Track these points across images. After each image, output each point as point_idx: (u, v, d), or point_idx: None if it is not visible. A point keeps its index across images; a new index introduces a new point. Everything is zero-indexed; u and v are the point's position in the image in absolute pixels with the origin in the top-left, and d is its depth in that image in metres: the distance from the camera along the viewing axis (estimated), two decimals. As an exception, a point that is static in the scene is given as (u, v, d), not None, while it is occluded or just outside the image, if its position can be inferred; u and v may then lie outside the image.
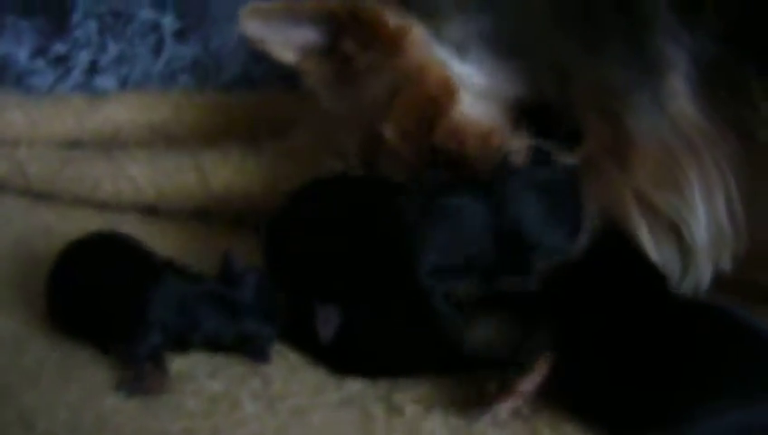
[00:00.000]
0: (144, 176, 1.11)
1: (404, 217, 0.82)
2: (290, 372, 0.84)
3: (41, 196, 1.14)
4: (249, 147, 1.14)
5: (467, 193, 0.83)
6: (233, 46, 1.25)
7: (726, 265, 0.84)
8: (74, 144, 1.19)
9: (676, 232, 0.84)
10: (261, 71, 1.25)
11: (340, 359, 0.84)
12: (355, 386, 0.83)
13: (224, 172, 1.10)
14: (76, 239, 0.93)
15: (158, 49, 1.26)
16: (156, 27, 1.26)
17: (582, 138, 0.87)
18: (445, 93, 0.90)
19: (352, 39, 0.93)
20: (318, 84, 0.97)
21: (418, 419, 0.79)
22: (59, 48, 1.26)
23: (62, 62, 1.26)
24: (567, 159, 0.86)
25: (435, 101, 0.90)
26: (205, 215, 1.10)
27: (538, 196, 0.83)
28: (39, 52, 1.26)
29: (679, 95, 0.83)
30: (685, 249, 0.84)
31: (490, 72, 0.90)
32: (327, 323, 0.84)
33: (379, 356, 0.84)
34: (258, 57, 1.24)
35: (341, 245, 0.86)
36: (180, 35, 1.26)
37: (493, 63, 0.90)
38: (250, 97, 1.22)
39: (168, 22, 1.25)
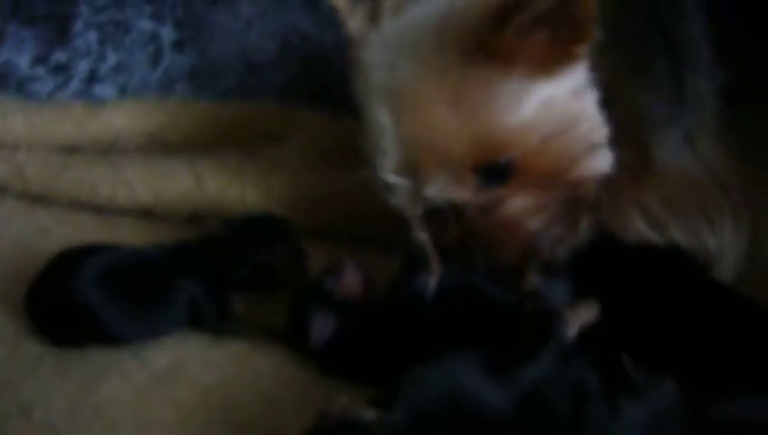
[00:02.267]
0: (141, 180, 1.13)
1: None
2: (281, 367, 0.87)
3: (39, 198, 1.15)
4: (244, 154, 1.16)
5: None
6: (229, 57, 1.28)
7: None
8: (73, 149, 1.21)
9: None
10: (256, 81, 1.28)
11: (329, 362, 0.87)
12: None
13: (219, 178, 1.11)
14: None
15: (156, 58, 1.28)
16: (154, 37, 1.28)
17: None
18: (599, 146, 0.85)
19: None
20: None
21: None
22: (59, 56, 1.28)
23: (62, 70, 1.28)
24: None
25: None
26: (200, 219, 1.11)
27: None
28: (40, 60, 1.28)
29: (708, 132, 0.85)
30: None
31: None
32: (321, 329, 0.86)
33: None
34: (254, 68, 1.28)
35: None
36: (178, 46, 1.28)
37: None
38: (246, 107, 1.24)
39: (167, 32, 1.28)
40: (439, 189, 0.83)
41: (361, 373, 0.84)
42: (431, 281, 0.84)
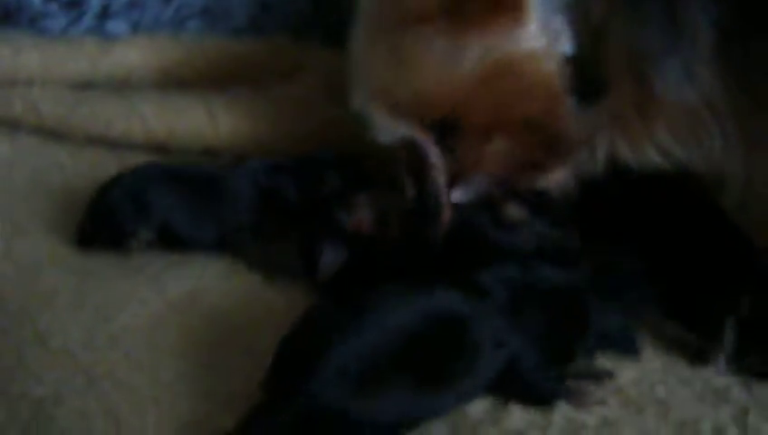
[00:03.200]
0: (155, 115, 1.13)
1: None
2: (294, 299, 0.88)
3: (54, 134, 1.16)
4: (257, 90, 1.16)
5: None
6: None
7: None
8: (87, 85, 1.21)
9: None
10: (269, 18, 1.28)
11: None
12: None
13: (232, 113, 1.12)
14: None
15: (168, -6, 1.29)
16: (168, -27, 1.28)
17: (607, 93, 0.90)
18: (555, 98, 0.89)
19: None
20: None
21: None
22: (71, -8, 1.28)
23: (74, 5, 1.28)
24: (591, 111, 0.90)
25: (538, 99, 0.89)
26: (213, 154, 1.12)
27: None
28: (52, -5, 1.28)
29: (706, 63, 0.87)
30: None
31: (546, 30, 0.89)
32: (330, 259, 0.87)
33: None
34: (266, 5, 1.28)
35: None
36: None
37: (545, 20, 0.89)
38: (258, 43, 1.24)
39: (180, -32, 1.28)
40: (391, 137, 0.90)
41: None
42: (442, 227, 0.85)
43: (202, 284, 0.90)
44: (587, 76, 0.90)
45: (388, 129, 0.90)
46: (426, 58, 0.86)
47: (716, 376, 0.81)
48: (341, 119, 1.07)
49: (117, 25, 1.28)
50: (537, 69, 0.88)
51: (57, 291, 0.90)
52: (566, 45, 0.90)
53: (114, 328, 0.85)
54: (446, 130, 0.88)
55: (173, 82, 1.22)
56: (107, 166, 1.10)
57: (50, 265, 0.94)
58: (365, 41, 0.91)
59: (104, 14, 1.28)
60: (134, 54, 1.23)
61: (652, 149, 0.90)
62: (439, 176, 0.87)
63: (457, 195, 0.87)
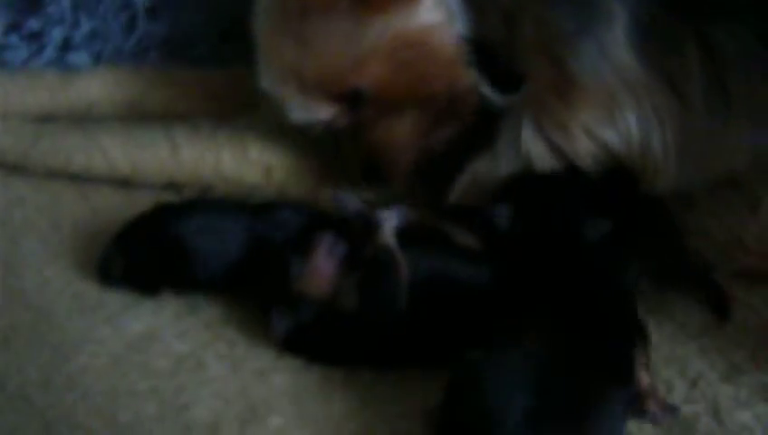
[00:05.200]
0: (116, 148, 1.12)
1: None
2: (253, 337, 0.87)
3: (15, 168, 1.14)
4: (219, 121, 1.15)
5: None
6: (201, 25, 1.27)
7: (665, 189, 0.93)
8: (48, 118, 1.20)
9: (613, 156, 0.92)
10: (230, 49, 1.27)
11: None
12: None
13: (194, 145, 1.11)
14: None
15: (130, 26, 1.27)
16: (128, 4, 1.27)
17: (524, 79, 0.93)
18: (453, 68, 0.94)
19: None
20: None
21: (374, 382, 0.82)
22: (33, 24, 1.27)
23: (35, 38, 1.27)
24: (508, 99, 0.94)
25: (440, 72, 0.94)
26: (176, 187, 1.11)
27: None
28: (13, 28, 1.26)
29: (621, 45, 0.90)
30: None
31: (441, 6, 0.94)
32: (280, 324, 0.85)
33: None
34: (226, 35, 1.27)
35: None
36: (152, 13, 1.27)
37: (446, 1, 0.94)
38: (220, 74, 1.24)
39: (140, -1, 1.27)
40: (302, 114, 0.97)
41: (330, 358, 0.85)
42: (401, 291, 0.83)
43: (159, 321, 0.89)
44: (501, 61, 0.95)
45: (298, 106, 0.96)
46: (329, 39, 0.92)
47: (684, 406, 0.80)
48: (308, 148, 1.09)
49: (78, 57, 1.27)
50: (435, 42, 0.94)
51: (15, 331, 0.89)
52: (462, 24, 0.95)
53: (72, 369, 0.83)
54: (353, 103, 0.94)
55: (135, 114, 1.21)
56: (68, 200, 1.10)
57: (7, 302, 0.93)
58: (270, 29, 0.97)
59: (66, 45, 1.27)
60: (95, 86, 1.22)
61: (579, 132, 0.91)
62: (389, 236, 0.87)
63: (388, 220, 0.88)
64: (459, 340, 0.80)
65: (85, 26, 1.27)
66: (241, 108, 1.18)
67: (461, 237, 0.89)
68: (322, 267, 0.84)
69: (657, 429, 0.77)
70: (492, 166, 0.95)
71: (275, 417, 0.79)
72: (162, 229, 0.93)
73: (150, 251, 0.93)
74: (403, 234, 0.87)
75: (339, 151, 1.03)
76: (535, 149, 0.93)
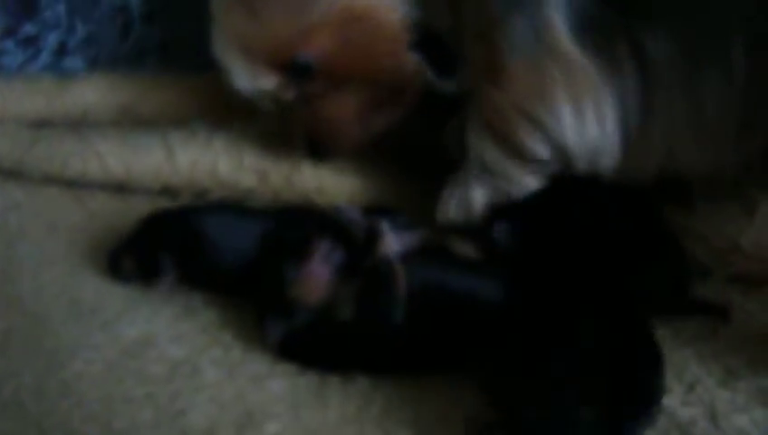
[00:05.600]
0: (112, 153, 1.12)
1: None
2: (250, 342, 0.87)
3: (10, 173, 1.14)
4: (215, 126, 1.15)
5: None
6: (199, 29, 1.27)
7: (607, 171, 0.93)
8: (44, 124, 1.20)
9: (552, 139, 0.91)
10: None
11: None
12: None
13: (190, 150, 1.11)
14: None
15: (125, 31, 1.27)
16: (124, 9, 1.27)
17: (462, 64, 0.95)
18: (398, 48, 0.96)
19: None
20: None
21: (371, 389, 0.82)
22: (28, 29, 1.27)
23: (31, 43, 1.27)
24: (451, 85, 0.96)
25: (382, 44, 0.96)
26: (172, 192, 1.11)
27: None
28: (8, 32, 1.27)
29: (556, 28, 0.90)
30: (561, 152, 0.92)
31: None
32: (276, 330, 0.85)
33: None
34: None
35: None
36: (148, 18, 1.27)
37: None
38: (216, 79, 1.23)
39: (136, 4, 1.27)
40: (247, 82, 0.98)
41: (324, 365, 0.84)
42: (399, 304, 0.83)
43: (154, 327, 0.89)
44: (446, 47, 0.96)
45: (244, 74, 0.98)
46: (278, 8, 0.95)
47: (681, 410, 0.80)
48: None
49: (74, 62, 1.27)
50: (382, 19, 0.96)
51: (8, 336, 0.88)
52: (409, 8, 0.96)
53: (67, 375, 0.83)
54: (298, 74, 0.97)
55: (131, 119, 1.21)
56: (64, 205, 1.09)
57: (2, 307, 0.92)
58: (223, 4, 0.99)
59: (61, 50, 1.27)
60: (91, 92, 1.22)
61: (513, 114, 0.91)
62: (390, 247, 0.87)
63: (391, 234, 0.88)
64: (455, 349, 0.81)
65: (81, 31, 1.27)
66: (237, 113, 1.18)
67: (460, 248, 0.89)
68: (317, 273, 0.84)
69: (653, 431, 0.77)
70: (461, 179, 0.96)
71: (272, 423, 0.79)
72: (183, 223, 0.94)
73: (169, 242, 0.93)
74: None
75: (285, 125, 1.05)
76: (480, 144, 0.94)
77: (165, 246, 0.93)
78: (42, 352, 0.86)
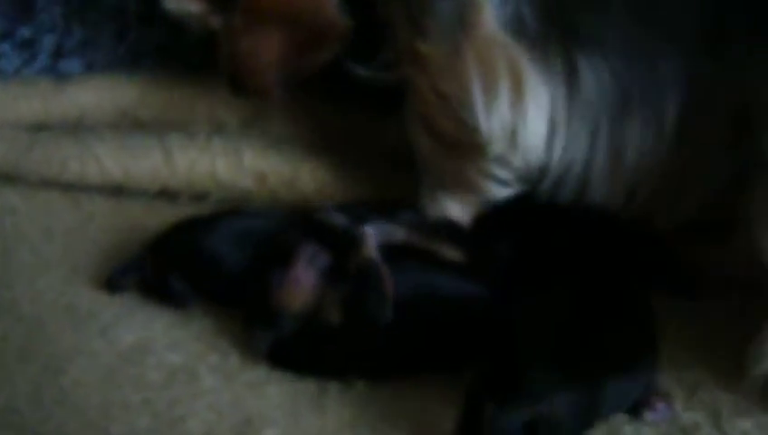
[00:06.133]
0: (110, 156, 1.11)
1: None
2: (247, 348, 0.86)
3: (7, 177, 1.13)
4: (213, 127, 1.15)
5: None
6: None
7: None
8: (41, 127, 1.19)
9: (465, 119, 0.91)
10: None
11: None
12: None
13: (188, 152, 1.10)
14: None
15: (122, 34, 1.27)
16: (121, 12, 1.26)
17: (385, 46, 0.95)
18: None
19: None
20: None
21: (369, 394, 0.81)
22: (24, 32, 1.26)
23: (27, 45, 1.26)
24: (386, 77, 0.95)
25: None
26: (170, 195, 1.10)
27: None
28: (5, 36, 1.25)
29: (483, 12, 0.89)
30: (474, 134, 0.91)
31: None
32: (261, 341, 0.84)
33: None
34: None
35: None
36: (145, 20, 1.26)
37: None
38: (213, 81, 1.22)
39: (133, 7, 1.26)
40: (174, 3, 1.01)
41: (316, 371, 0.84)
42: (387, 304, 0.82)
43: (151, 333, 0.88)
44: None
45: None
46: None
47: (684, 414, 0.79)
48: (302, 156, 1.08)
49: (71, 65, 1.26)
50: None
51: (5, 342, 0.88)
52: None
53: (64, 382, 0.83)
54: (223, 3, 0.98)
55: (128, 121, 1.20)
56: (60, 209, 1.09)
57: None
58: None
59: (58, 53, 1.26)
60: (88, 94, 1.22)
61: (431, 95, 0.91)
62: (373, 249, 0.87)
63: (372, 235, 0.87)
64: (447, 352, 0.81)
65: (77, 34, 1.26)
66: (235, 114, 1.17)
67: (447, 252, 0.88)
68: (302, 278, 0.83)
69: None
70: None
71: (270, 429, 0.78)
72: (186, 242, 0.94)
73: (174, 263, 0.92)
74: (390, 249, 0.86)
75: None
76: (418, 138, 0.94)
77: (172, 269, 0.92)
78: (38, 357, 0.86)
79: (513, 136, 0.90)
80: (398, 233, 0.88)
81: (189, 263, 0.92)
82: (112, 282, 0.94)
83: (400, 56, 0.94)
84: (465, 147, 0.92)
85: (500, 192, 0.94)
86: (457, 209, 0.95)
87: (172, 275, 0.91)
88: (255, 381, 0.83)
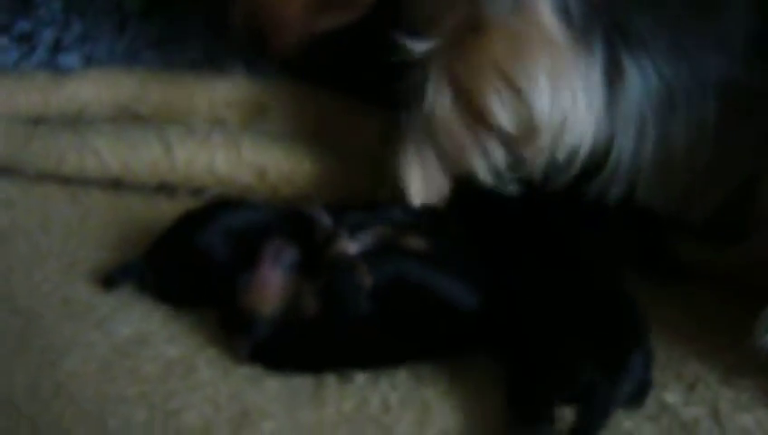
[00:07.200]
0: (109, 149, 1.11)
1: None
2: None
3: (4, 170, 1.13)
4: (213, 121, 1.15)
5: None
6: (197, 26, 1.26)
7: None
8: (39, 120, 1.19)
9: (521, 104, 0.90)
10: (224, 51, 1.25)
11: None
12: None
13: (187, 146, 1.10)
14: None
15: (121, 27, 1.26)
16: (120, 6, 1.26)
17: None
18: None
19: None
20: None
21: (368, 386, 0.81)
22: (23, 26, 1.26)
23: (26, 39, 1.26)
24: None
25: None
26: (169, 189, 1.10)
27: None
28: (3, 29, 1.25)
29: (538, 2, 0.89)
30: (527, 120, 0.90)
31: None
32: (240, 343, 0.84)
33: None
34: (221, 37, 1.26)
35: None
36: (144, 13, 1.26)
37: None
38: (213, 75, 1.22)
39: (132, 1, 1.26)
40: None
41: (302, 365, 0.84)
42: (360, 296, 0.82)
43: (149, 325, 0.88)
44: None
45: None
46: None
47: (684, 409, 0.79)
48: (303, 151, 1.08)
49: (69, 59, 1.25)
50: None
51: (2, 336, 0.87)
52: None
53: (60, 374, 0.82)
54: None
55: (127, 115, 1.19)
56: (58, 202, 1.08)
57: (-5, 308, 0.92)
58: None
59: (56, 47, 1.26)
60: (87, 88, 1.21)
61: (490, 69, 0.90)
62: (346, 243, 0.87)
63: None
64: (428, 343, 0.82)
65: (76, 28, 1.26)
66: (235, 109, 1.17)
67: (412, 241, 0.88)
68: (269, 277, 0.83)
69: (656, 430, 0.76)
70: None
71: (268, 422, 0.78)
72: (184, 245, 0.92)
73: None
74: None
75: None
76: (437, 99, 0.92)
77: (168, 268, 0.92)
78: (35, 350, 0.85)
79: (563, 126, 0.90)
80: (372, 237, 0.88)
81: (183, 261, 0.91)
82: (110, 280, 0.93)
83: (450, 29, 0.92)
84: (499, 126, 0.91)
85: (486, 178, 0.94)
86: (432, 183, 0.95)
87: (168, 276, 0.91)
88: (253, 375, 0.82)
